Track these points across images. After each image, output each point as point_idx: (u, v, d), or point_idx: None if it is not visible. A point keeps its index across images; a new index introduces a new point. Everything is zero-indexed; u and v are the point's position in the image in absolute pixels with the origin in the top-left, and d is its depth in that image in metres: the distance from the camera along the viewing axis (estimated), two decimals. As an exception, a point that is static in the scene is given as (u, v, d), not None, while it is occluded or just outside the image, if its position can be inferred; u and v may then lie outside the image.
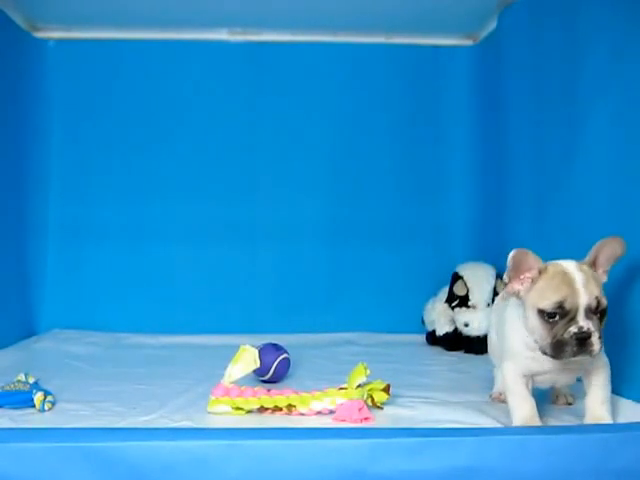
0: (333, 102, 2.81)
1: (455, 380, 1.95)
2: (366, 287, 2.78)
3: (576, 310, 1.28)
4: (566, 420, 1.48)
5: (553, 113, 2.04)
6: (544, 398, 1.56)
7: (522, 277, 1.35)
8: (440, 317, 2.47)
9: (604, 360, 1.40)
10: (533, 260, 1.34)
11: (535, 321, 1.33)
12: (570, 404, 1.60)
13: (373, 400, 1.56)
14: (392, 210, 2.81)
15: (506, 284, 1.36)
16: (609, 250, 1.36)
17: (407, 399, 1.63)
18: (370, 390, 1.55)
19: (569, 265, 1.33)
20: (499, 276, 2.41)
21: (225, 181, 2.78)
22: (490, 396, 1.67)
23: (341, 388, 1.53)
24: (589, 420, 1.38)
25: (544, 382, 1.44)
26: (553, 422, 1.45)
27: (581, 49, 1.86)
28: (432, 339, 2.51)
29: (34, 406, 1.52)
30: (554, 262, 1.35)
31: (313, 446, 1.16)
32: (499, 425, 1.42)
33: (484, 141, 2.71)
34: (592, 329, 1.28)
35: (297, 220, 2.78)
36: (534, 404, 1.39)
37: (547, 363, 1.37)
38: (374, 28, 2.73)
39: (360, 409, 1.46)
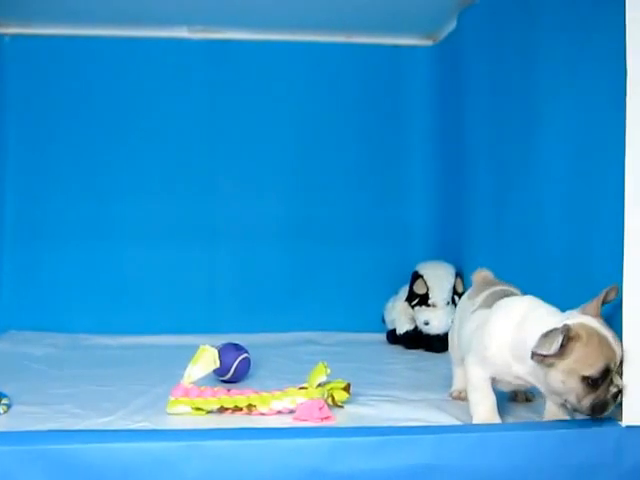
0: (293, 101, 2.80)
1: (415, 378, 1.95)
2: (327, 286, 2.77)
3: (614, 368, 1.24)
4: (525, 417, 1.49)
5: (511, 113, 2.06)
6: (503, 395, 1.58)
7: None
8: (400, 316, 2.48)
9: None
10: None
11: (575, 385, 1.24)
12: (529, 401, 1.62)
13: (334, 399, 1.56)
14: (352, 209, 2.81)
15: (545, 356, 1.24)
16: (608, 299, 1.30)
17: (368, 398, 1.64)
18: (330, 389, 1.56)
19: (593, 322, 1.25)
20: (459, 275, 2.43)
21: (185, 180, 2.75)
22: (450, 394, 1.68)
23: (301, 387, 1.53)
24: (548, 417, 1.40)
25: (506, 386, 1.45)
26: (512, 419, 1.46)
27: (539, 50, 1.88)
28: (393, 338, 2.52)
29: (-11, 409, 1.50)
30: (578, 322, 1.25)
31: (273, 446, 1.16)
32: (459, 423, 1.43)
33: (444, 141, 2.72)
34: (623, 383, 1.24)
35: (258, 219, 2.77)
36: (495, 402, 1.40)
37: (518, 372, 1.34)
38: (334, 27, 2.72)
39: (320, 408, 1.46)
